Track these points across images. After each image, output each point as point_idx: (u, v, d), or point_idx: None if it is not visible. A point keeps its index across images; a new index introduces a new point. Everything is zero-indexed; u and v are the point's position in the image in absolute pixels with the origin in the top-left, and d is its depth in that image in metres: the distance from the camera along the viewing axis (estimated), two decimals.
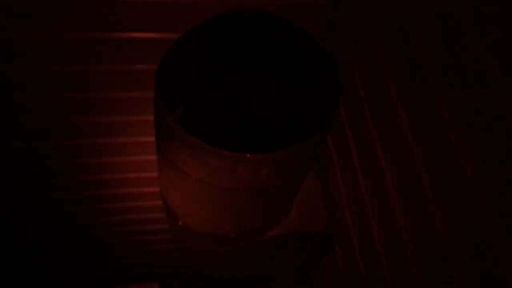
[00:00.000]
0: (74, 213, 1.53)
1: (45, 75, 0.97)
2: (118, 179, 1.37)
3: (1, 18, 0.82)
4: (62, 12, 0.83)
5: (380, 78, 0.74)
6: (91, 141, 1.20)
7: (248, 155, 0.64)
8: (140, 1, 0.82)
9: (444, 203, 0.59)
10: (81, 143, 1.20)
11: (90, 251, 1.82)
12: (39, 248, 1.71)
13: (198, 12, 0.83)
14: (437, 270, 0.62)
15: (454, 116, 0.56)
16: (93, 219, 1.57)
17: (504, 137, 0.48)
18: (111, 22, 0.86)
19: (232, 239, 0.91)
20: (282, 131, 0.67)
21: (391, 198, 0.74)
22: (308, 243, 1.04)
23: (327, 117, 0.69)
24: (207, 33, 0.73)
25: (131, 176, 1.36)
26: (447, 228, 0.59)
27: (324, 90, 0.73)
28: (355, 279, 0.94)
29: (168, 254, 1.85)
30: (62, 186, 1.37)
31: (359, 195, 0.88)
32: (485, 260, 0.51)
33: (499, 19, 0.48)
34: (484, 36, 0.50)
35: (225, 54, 0.71)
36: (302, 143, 0.66)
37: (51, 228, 1.59)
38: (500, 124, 0.48)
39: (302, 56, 0.74)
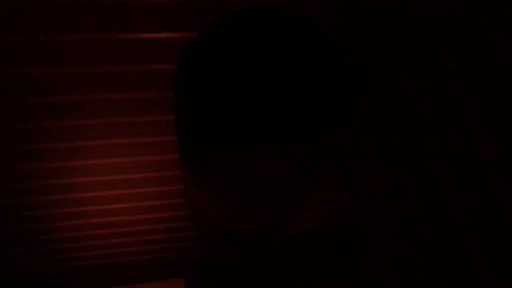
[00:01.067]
0: (92, 212, 1.55)
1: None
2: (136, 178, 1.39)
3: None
4: (78, 14, 0.85)
5: (393, 74, 0.75)
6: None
7: (267, 152, 0.65)
8: (157, 2, 0.84)
9: (461, 190, 0.59)
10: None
11: (111, 249, 1.85)
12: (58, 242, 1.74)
13: (212, 11, 0.85)
14: (460, 264, 0.62)
15: (474, 114, 0.56)
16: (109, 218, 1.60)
17: None
18: (127, 23, 0.88)
19: (253, 236, 0.93)
20: (299, 128, 0.68)
21: (412, 193, 0.74)
22: (329, 239, 1.05)
23: (343, 114, 0.70)
24: (224, 31, 0.75)
25: (152, 175, 1.38)
26: (465, 215, 0.59)
27: (342, 87, 0.74)
28: (377, 274, 0.94)
29: (193, 251, 1.86)
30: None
31: (382, 189, 0.88)
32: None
33: None
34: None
35: (242, 52, 0.72)
36: (319, 139, 0.67)
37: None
38: None
39: (321, 53, 0.75)
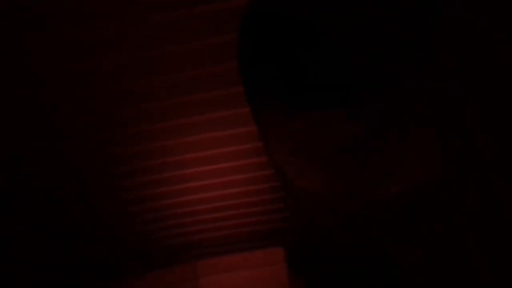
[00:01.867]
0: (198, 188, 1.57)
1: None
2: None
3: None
4: None
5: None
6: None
7: (336, 113, 0.64)
8: None
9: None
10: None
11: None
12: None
13: None
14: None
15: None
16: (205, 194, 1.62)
17: None
18: None
19: (341, 201, 0.90)
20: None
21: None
22: (419, 205, 0.99)
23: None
24: None
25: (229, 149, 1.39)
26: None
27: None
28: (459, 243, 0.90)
29: (290, 221, 1.85)
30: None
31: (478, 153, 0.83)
32: None
33: None
34: None
35: (297, 21, 0.70)
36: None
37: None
38: None
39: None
